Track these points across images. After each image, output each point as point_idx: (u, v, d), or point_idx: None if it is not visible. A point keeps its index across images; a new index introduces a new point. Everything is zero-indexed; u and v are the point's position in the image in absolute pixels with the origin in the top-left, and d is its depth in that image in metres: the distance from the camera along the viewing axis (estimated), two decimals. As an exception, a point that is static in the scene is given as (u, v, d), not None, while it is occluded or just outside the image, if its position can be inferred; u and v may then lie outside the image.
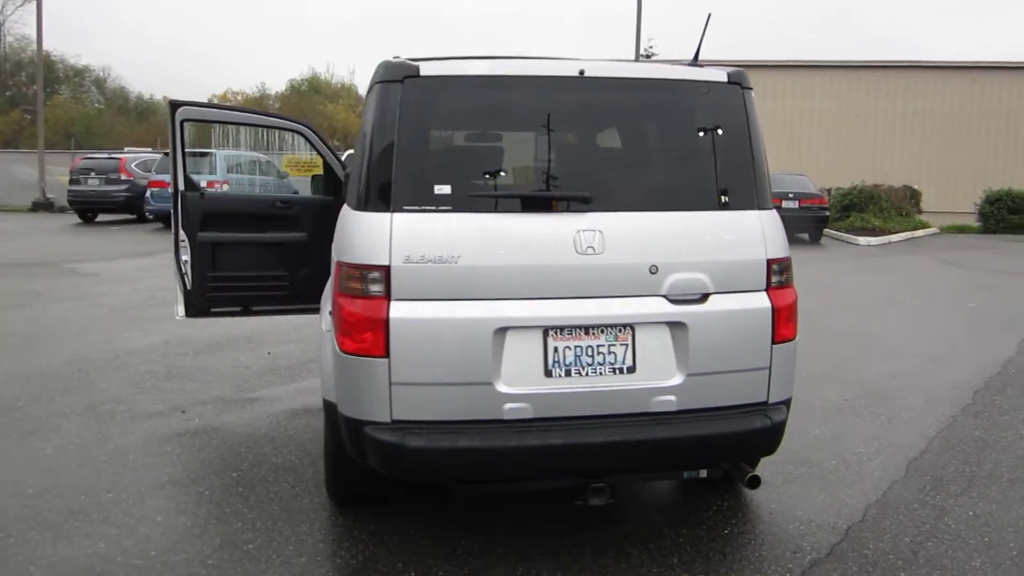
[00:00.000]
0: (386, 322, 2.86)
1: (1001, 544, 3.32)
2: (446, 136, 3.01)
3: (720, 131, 3.15)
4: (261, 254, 5.37)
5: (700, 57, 3.40)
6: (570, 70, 3.03)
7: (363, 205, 2.99)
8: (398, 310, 2.87)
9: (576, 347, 2.97)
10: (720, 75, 3.16)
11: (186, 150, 5.20)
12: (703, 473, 3.22)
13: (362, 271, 2.92)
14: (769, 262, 3.15)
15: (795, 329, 3.22)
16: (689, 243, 3.08)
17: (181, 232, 5.19)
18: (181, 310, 5.28)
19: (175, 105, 5.10)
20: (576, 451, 2.90)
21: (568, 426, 2.94)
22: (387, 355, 2.87)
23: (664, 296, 3.02)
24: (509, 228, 2.97)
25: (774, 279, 3.16)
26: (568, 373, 2.97)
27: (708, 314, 3.05)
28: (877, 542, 3.33)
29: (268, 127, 5.49)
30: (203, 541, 3.28)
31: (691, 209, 3.11)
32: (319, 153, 5.48)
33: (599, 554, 3.22)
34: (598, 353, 2.99)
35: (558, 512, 3.58)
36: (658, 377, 3.03)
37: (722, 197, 3.14)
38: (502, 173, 3.10)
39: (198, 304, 5.23)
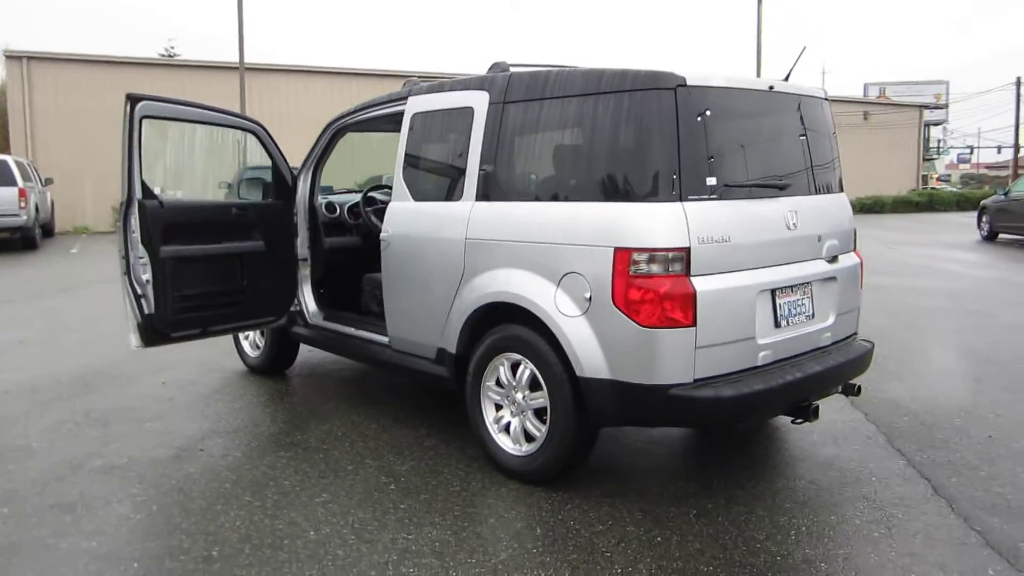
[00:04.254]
0: (694, 295, 3.35)
1: (967, 419, 4.99)
2: (704, 134, 3.51)
3: (828, 132, 4.21)
4: (223, 267, 4.96)
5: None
6: (764, 85, 3.81)
7: (649, 197, 3.40)
8: (700, 284, 3.38)
9: (789, 302, 3.79)
10: (821, 92, 4.21)
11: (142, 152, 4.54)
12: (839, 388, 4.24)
13: (665, 254, 3.35)
14: (854, 230, 4.33)
15: None
16: (832, 217, 4.10)
17: (139, 247, 4.54)
18: (135, 339, 4.62)
19: (135, 99, 4.46)
20: (807, 382, 3.70)
21: (793, 364, 3.75)
22: (695, 323, 3.36)
23: (823, 259, 4.00)
24: (754, 211, 3.66)
25: (856, 243, 4.35)
26: (788, 323, 3.77)
27: (843, 269, 4.11)
28: (898, 418, 4.73)
29: (224, 126, 4.98)
30: (473, 535, 3.32)
31: (828, 192, 4.12)
32: (270, 155, 5.22)
33: (772, 474, 4.07)
34: (797, 305, 3.84)
35: (688, 455, 4.33)
36: (825, 320, 4.00)
37: (837, 183, 4.23)
38: (740, 165, 3.72)
39: (162, 329, 4.64)
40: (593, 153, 3.64)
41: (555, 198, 3.76)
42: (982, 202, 18.72)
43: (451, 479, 3.93)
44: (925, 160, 45.77)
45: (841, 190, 4.32)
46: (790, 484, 3.86)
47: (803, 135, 3.98)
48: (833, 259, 4.07)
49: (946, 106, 56.24)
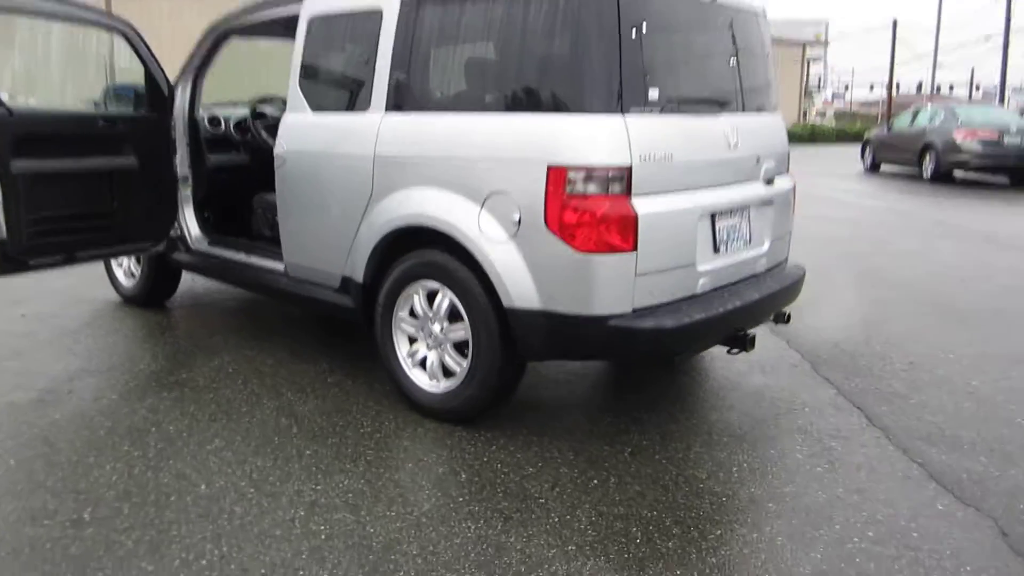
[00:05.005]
0: (635, 218, 3.03)
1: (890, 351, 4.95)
2: (643, 41, 3.13)
3: (766, 48, 3.91)
4: (89, 186, 4.33)
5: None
6: (706, -4, 3.47)
7: (587, 108, 3.03)
8: (641, 206, 3.06)
9: (728, 226, 3.53)
10: (759, 7, 3.90)
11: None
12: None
13: (605, 172, 3.00)
14: (788, 153, 4.10)
15: None
16: (769, 138, 3.84)
17: (-16, 161, 3.89)
18: (-16, 267, 3.99)
19: (-29, -20, 3.73)
20: (745, 310, 3.48)
21: (731, 292, 3.51)
22: (635, 249, 3.05)
23: (761, 181, 3.75)
24: (695, 128, 3.35)
25: (789, 165, 4.13)
26: (726, 249, 3.52)
27: (779, 193, 3.88)
28: (820, 346, 4.63)
29: (85, 22, 4.26)
30: (390, 484, 2.98)
31: (765, 111, 3.85)
32: (143, 61, 4.56)
33: (703, 407, 3.89)
34: (735, 230, 3.59)
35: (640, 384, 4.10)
36: (761, 245, 3.78)
37: (773, 101, 3.96)
38: (680, 77, 3.37)
39: (16, 255, 4.03)
40: (523, 58, 3.21)
41: (479, 109, 3.33)
42: (866, 135, 19.32)
43: (361, 419, 3.55)
44: (805, 96, 47.22)
45: (776, 110, 4.07)
46: (724, 417, 3.67)
47: (742, 50, 3.67)
48: (769, 181, 3.83)
49: (827, 44, 57.88)
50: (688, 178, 3.28)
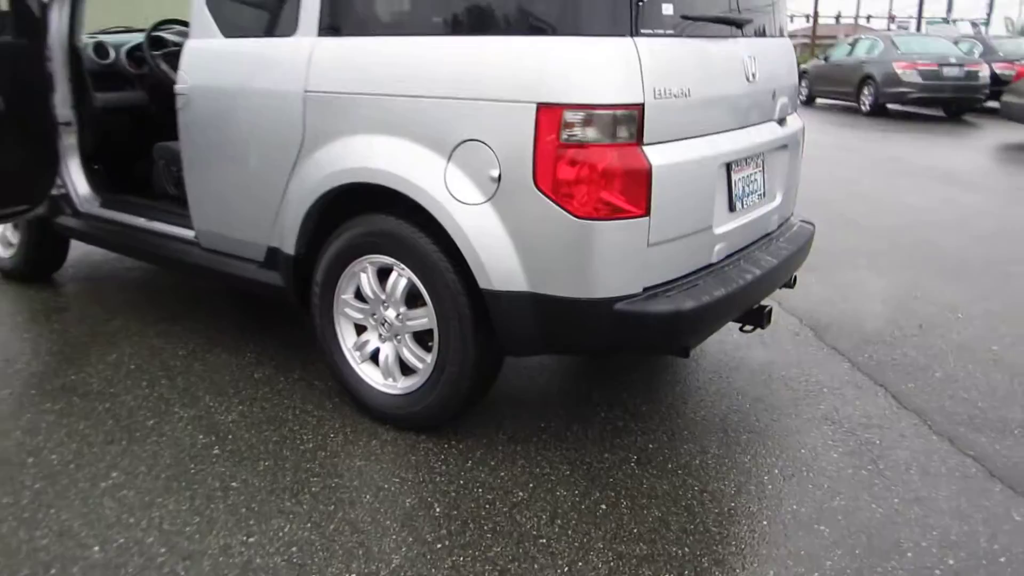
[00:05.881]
0: (648, 172, 2.38)
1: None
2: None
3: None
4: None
5: None
6: None
7: (587, 28, 2.33)
8: (655, 156, 2.40)
9: (743, 178, 2.91)
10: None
11: None
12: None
13: (611, 112, 2.32)
14: (797, 86, 3.48)
15: None
16: (781, 68, 3.20)
17: None
18: None
19: None
20: (765, 280, 2.89)
21: (749, 259, 2.91)
22: (648, 212, 2.40)
23: (775, 121, 3.13)
24: (713, 55, 2.69)
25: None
26: (742, 205, 2.90)
27: (792, 135, 3.27)
28: (818, 308, 4.12)
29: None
30: (345, 527, 2.32)
31: (775, 36, 3.20)
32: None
33: (709, 393, 3.32)
34: (751, 182, 2.98)
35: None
36: (775, 199, 3.18)
37: (782, 20, 3.31)
38: None
39: None
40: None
41: (444, 31, 2.59)
42: (802, 66, 18.95)
43: (300, 431, 2.86)
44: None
45: (785, 33, 3.42)
46: (735, 406, 3.11)
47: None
48: (782, 121, 3.22)
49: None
50: (706, 119, 2.64)
